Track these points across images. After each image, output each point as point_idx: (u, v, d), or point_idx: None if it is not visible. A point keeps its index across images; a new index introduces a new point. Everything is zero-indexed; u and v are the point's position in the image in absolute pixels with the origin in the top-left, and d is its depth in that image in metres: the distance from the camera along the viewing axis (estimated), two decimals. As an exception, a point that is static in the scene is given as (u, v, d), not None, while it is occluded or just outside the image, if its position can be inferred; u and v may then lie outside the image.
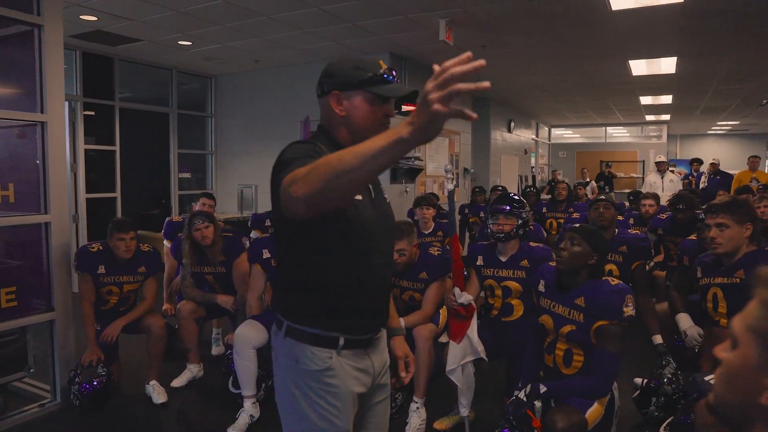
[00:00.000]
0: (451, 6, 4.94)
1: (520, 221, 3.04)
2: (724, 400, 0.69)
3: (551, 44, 6.36)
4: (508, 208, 3.04)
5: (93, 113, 6.81)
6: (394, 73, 1.54)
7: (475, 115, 0.97)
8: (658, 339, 3.29)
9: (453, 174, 2.85)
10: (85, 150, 6.55)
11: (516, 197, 3.14)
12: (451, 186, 2.82)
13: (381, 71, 1.49)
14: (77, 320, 3.51)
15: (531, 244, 3.15)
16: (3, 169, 3.32)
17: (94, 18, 5.31)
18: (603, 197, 3.64)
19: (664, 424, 2.80)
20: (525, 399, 2.31)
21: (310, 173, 1.13)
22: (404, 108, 6.97)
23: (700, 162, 11.37)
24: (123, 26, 5.62)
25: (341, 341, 1.47)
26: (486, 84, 0.92)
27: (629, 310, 2.27)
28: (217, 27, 5.65)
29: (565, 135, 17.64)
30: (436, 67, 0.96)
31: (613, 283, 2.36)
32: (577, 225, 2.54)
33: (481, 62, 0.93)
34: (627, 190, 13.69)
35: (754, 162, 8.79)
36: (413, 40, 6.15)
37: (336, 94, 1.48)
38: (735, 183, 8.60)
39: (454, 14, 5.15)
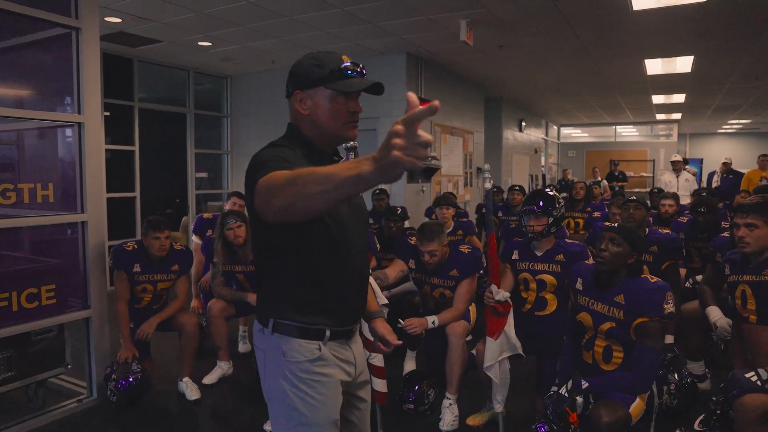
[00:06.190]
0: (474, 6, 4.97)
1: (551, 219, 3.05)
2: None
3: (568, 44, 6.38)
4: (538, 206, 3.05)
5: (110, 114, 6.86)
6: (360, 67, 1.52)
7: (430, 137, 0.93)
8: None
9: (490, 174, 2.90)
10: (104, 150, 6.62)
11: (548, 194, 3.10)
12: (488, 185, 2.87)
13: (341, 66, 1.48)
14: (112, 318, 3.56)
15: (567, 240, 3.17)
16: (43, 169, 3.37)
17: (118, 20, 5.37)
18: (633, 198, 3.66)
19: (699, 419, 2.84)
20: (566, 394, 2.35)
21: (284, 188, 1.13)
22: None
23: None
24: (145, 28, 5.68)
25: (327, 333, 1.52)
26: (435, 103, 0.91)
27: (669, 307, 2.30)
28: (238, 28, 5.70)
29: (574, 134, 17.62)
30: (411, 96, 0.93)
31: (652, 280, 2.39)
32: (615, 225, 2.56)
33: (436, 103, 0.92)
34: (636, 190, 13.69)
35: (764, 161, 8.70)
36: (431, 40, 6.18)
37: (298, 94, 1.51)
38: (745, 182, 8.55)
39: (476, 14, 5.18)
